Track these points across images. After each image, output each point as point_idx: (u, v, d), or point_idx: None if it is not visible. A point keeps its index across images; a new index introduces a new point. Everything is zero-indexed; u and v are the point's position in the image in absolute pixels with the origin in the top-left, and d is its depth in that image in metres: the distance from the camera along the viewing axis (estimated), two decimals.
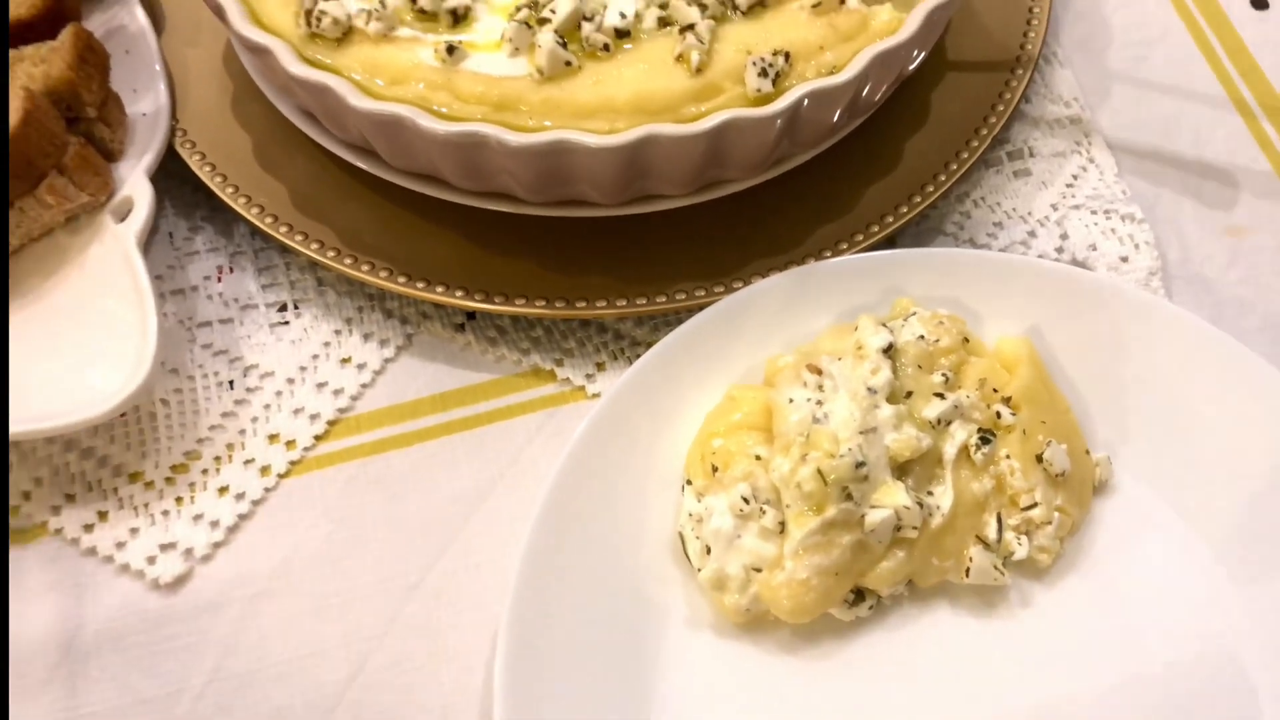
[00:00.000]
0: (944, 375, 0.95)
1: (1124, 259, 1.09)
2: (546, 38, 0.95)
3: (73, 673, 0.92)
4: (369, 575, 0.96)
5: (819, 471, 0.88)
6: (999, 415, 0.95)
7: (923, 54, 1.06)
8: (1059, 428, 0.96)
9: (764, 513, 0.90)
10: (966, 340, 0.98)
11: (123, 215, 1.02)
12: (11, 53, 1.03)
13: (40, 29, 1.04)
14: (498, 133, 0.93)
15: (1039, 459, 0.94)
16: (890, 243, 1.08)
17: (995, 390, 0.96)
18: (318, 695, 0.91)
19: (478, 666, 0.92)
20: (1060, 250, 1.10)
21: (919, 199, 1.08)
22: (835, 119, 1.02)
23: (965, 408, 0.94)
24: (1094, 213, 1.11)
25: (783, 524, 0.90)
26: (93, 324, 0.98)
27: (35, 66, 1.01)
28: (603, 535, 0.93)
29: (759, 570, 0.90)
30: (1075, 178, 1.14)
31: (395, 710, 0.91)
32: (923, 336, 0.96)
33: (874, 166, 1.10)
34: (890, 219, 1.07)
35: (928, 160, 1.10)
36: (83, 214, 1.02)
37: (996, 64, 1.15)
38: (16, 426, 0.93)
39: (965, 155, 1.10)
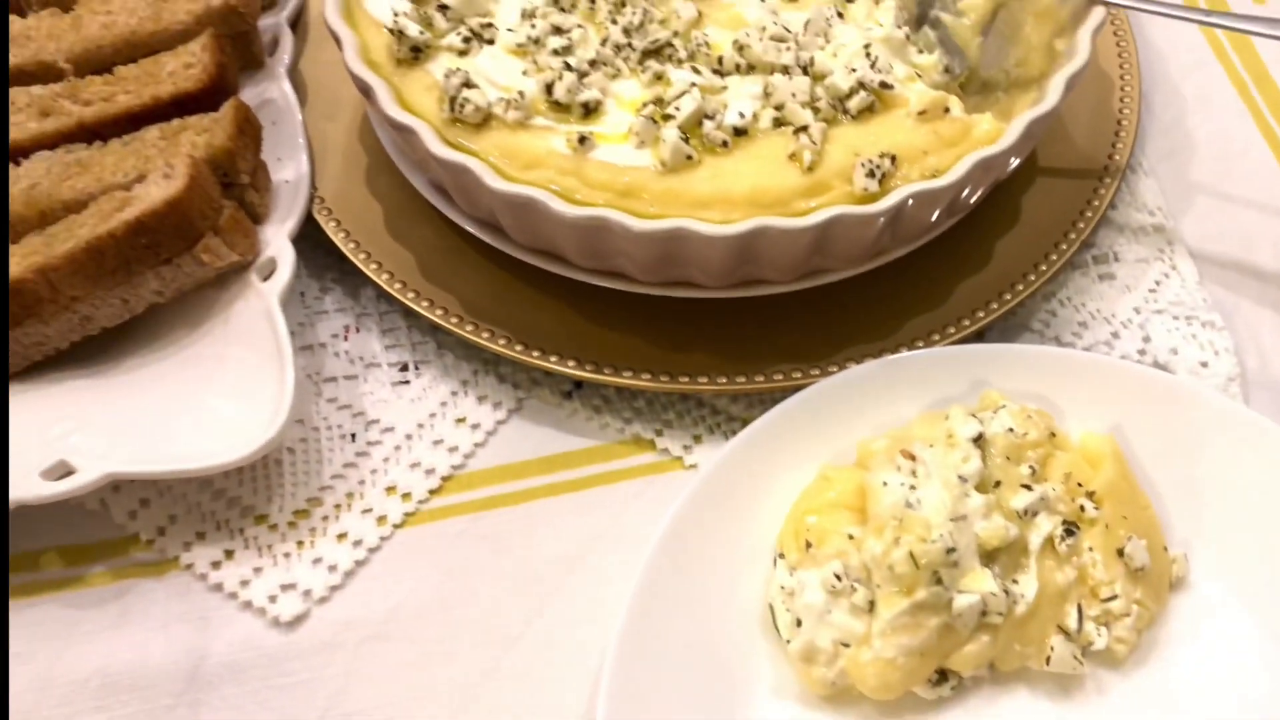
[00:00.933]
0: (1031, 468, 0.97)
1: (1204, 364, 1.10)
2: (670, 133, 0.99)
3: (196, 701, 0.95)
4: (474, 626, 0.99)
5: (911, 555, 0.89)
6: (1083, 509, 0.96)
7: (1020, 160, 1.09)
8: (1140, 523, 0.97)
9: (855, 590, 0.91)
10: (1053, 435, 1.00)
11: (266, 274, 1.06)
12: (176, 121, 1.08)
13: (203, 101, 1.10)
14: (621, 218, 0.96)
15: (1120, 553, 0.95)
16: (979, 337, 1.10)
17: (1080, 484, 0.97)
18: None
19: (574, 718, 0.94)
20: (1142, 353, 1.11)
21: (1009, 296, 1.10)
22: (934, 218, 1.05)
23: (1051, 500, 0.95)
24: (1176, 318, 1.13)
25: (872, 602, 0.91)
26: (233, 374, 1.02)
27: (198, 135, 1.06)
28: (697, 602, 0.95)
29: (847, 645, 0.91)
30: (1158, 284, 1.15)
31: None
32: (1011, 429, 0.98)
33: (966, 263, 1.12)
34: (981, 314, 1.09)
35: (1017, 260, 1.12)
36: (230, 271, 1.06)
37: (1086, 172, 1.18)
38: (160, 466, 0.97)
39: (1054, 257, 1.12)
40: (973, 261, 1.12)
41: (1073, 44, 1.07)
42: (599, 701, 0.87)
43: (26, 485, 0.95)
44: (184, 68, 1.11)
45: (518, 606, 0.99)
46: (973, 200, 1.09)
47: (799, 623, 0.93)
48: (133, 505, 1.03)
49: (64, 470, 0.97)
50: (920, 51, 1.09)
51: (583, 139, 0.99)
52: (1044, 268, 1.11)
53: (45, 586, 1.00)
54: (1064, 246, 1.12)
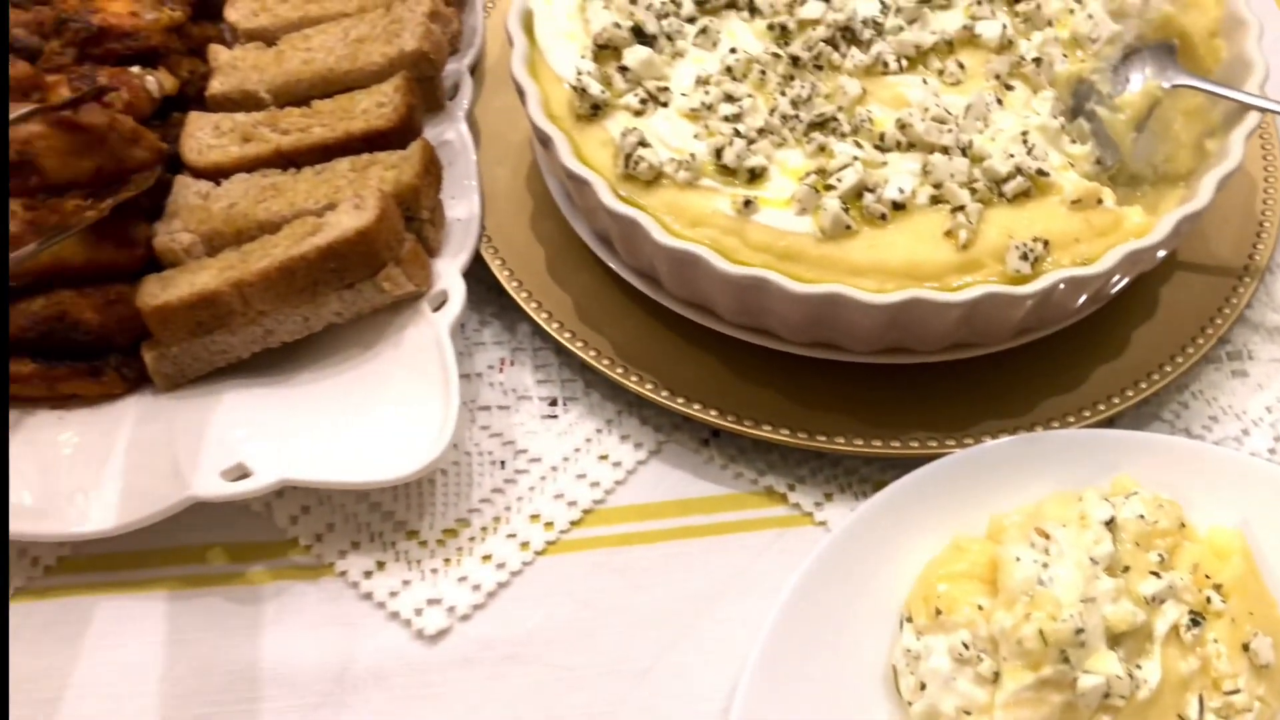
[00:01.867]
0: (1160, 555, 0.96)
1: None
2: (832, 203, 1.00)
3: (341, 702, 0.98)
4: (605, 655, 1.00)
5: (1041, 632, 0.89)
6: (1209, 600, 0.94)
7: (1165, 254, 1.08)
8: (1266, 620, 0.95)
9: (981, 660, 0.91)
10: (1183, 525, 0.99)
11: (437, 305, 1.09)
12: (366, 156, 1.13)
13: (391, 138, 1.14)
14: (780, 280, 0.98)
15: (1245, 648, 0.93)
16: (1110, 422, 1.09)
17: (1207, 576, 0.96)
18: None
19: None
20: (1273, 451, 1.10)
21: (1144, 385, 1.09)
22: (1079, 304, 1.04)
23: (1179, 589, 0.94)
24: None
25: (997, 674, 0.91)
26: (400, 396, 1.05)
27: (387, 170, 1.10)
28: (821, 657, 0.95)
29: (969, 714, 0.91)
30: None
31: None
32: (1143, 516, 0.97)
33: (1104, 349, 1.11)
34: (1116, 400, 1.08)
35: (1154, 351, 1.12)
36: (404, 299, 1.09)
37: (1225, 270, 1.17)
38: (328, 476, 1.00)
39: (1190, 351, 1.11)
40: (1110, 348, 1.11)
41: (1224, 145, 1.07)
42: None
43: (207, 483, 0.99)
44: (376, 106, 1.15)
45: (648, 642, 1.00)
46: (1115, 289, 1.08)
47: (923, 686, 0.92)
48: (294, 511, 1.07)
49: (241, 472, 1.00)
50: (1073, 141, 1.10)
51: (747, 202, 1.01)
52: (1180, 360, 1.10)
53: (211, 580, 1.04)
54: (1200, 341, 1.11)
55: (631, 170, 1.04)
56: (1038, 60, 1.11)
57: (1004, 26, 1.13)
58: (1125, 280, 1.08)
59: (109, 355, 1.08)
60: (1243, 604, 0.95)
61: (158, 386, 1.08)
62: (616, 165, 1.05)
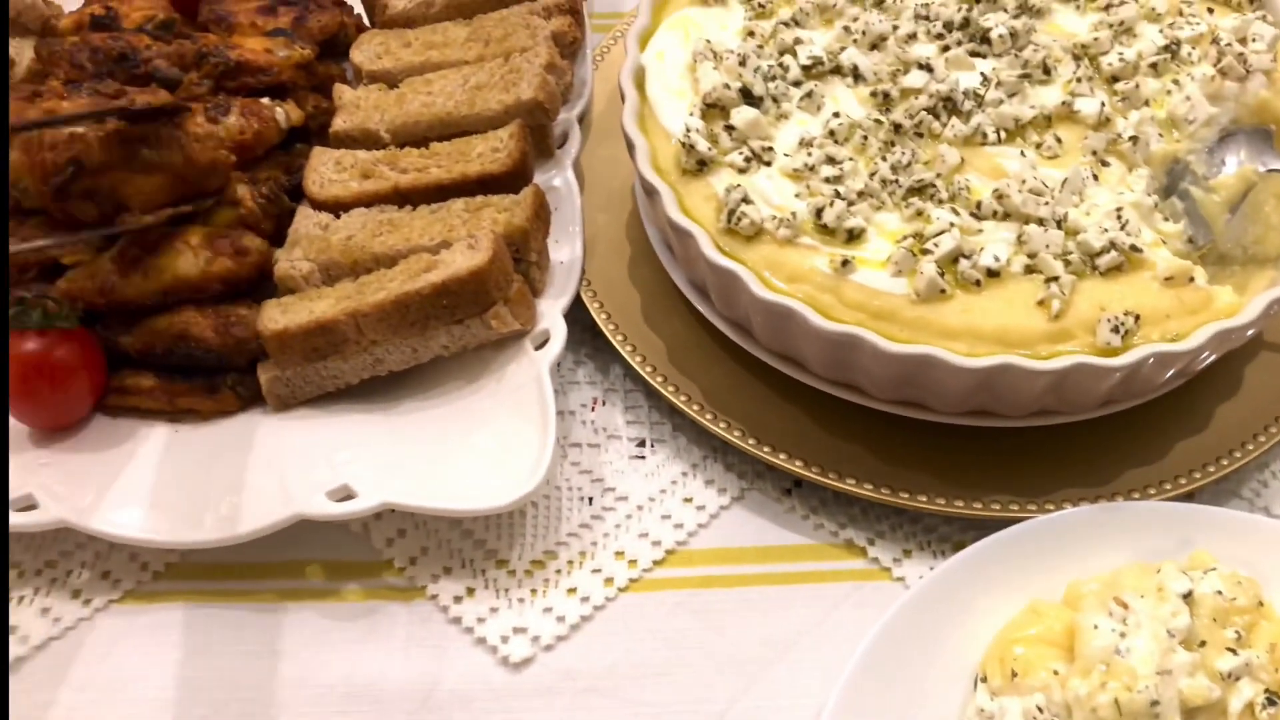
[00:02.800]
0: (1237, 632, 0.95)
1: None
2: (929, 267, 1.01)
3: None
4: (682, 695, 1.01)
5: (1117, 702, 0.89)
6: None
7: (1253, 334, 1.08)
8: None
9: None
10: (1261, 604, 0.98)
11: (539, 344, 1.12)
12: (480, 198, 1.16)
13: (505, 182, 1.17)
14: (874, 338, 0.99)
15: None
16: (1189, 496, 1.09)
17: None
18: None
19: None
20: None
21: (1225, 462, 1.09)
22: (1166, 379, 1.04)
23: (1255, 667, 0.93)
24: None
25: None
26: (498, 430, 1.08)
27: (499, 213, 1.13)
28: (894, 712, 0.95)
29: None
30: None
31: None
32: (1220, 592, 0.96)
33: (1186, 424, 1.11)
34: (1198, 475, 1.08)
35: (1236, 428, 1.11)
36: (509, 337, 1.12)
37: None
38: (428, 502, 1.03)
39: (1273, 430, 1.10)
40: (1193, 423, 1.11)
41: None
42: None
43: (314, 502, 1.02)
44: (491, 151, 1.19)
45: (724, 684, 1.01)
46: (1201, 366, 1.08)
47: None
48: (391, 534, 1.09)
49: (345, 494, 1.03)
50: (1166, 219, 1.10)
51: (845, 262, 1.03)
52: (1262, 439, 1.10)
53: (307, 594, 1.07)
54: None
55: (734, 225, 1.06)
56: (1134, 139, 1.11)
57: (1102, 104, 1.13)
58: (1212, 357, 1.07)
59: (226, 374, 1.12)
60: None
61: (270, 406, 1.12)
62: (719, 220, 1.07)
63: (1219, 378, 1.14)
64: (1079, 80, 1.15)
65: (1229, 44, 1.17)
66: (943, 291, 1.01)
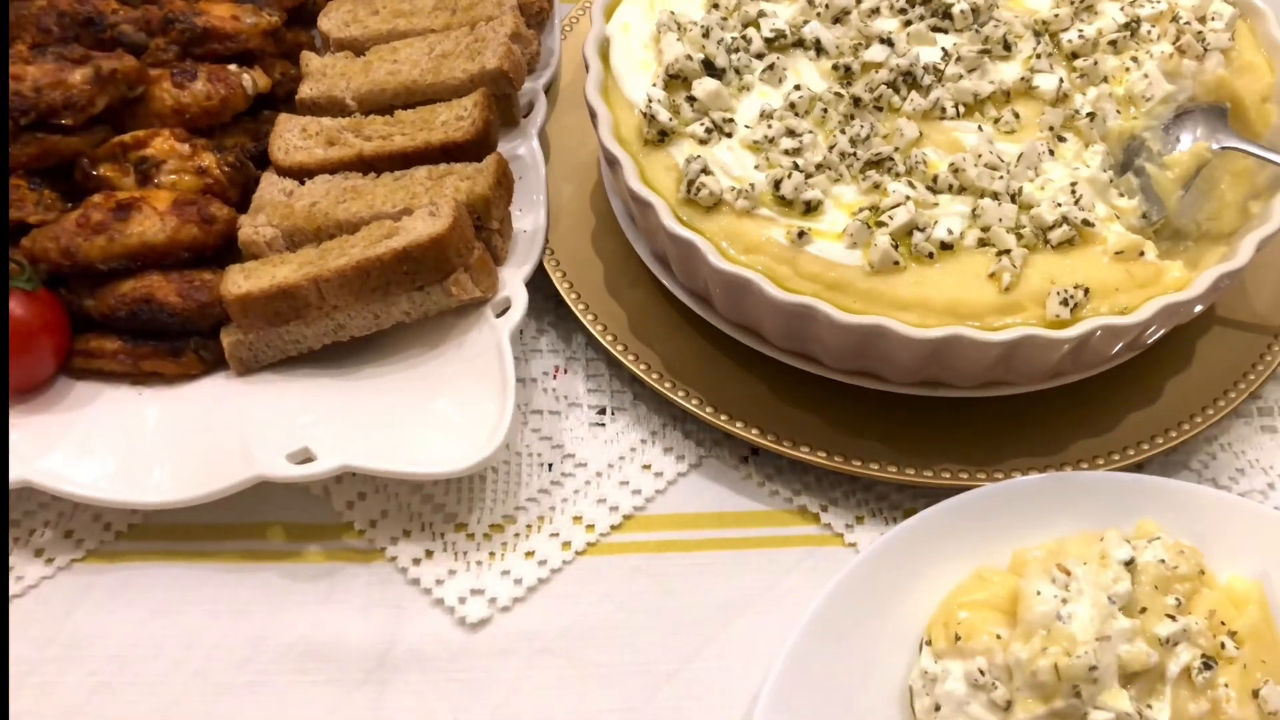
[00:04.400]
0: (1177, 599, 0.96)
1: None
2: (883, 239, 1.02)
3: (383, 680, 1.01)
4: (635, 656, 1.02)
5: (1056, 666, 0.90)
6: (1223, 646, 0.95)
7: (1202, 309, 1.09)
8: (1278, 672, 0.95)
9: (995, 688, 0.92)
10: (1202, 572, 0.99)
11: (500, 311, 1.12)
12: (443, 166, 1.16)
13: (468, 150, 1.17)
14: (827, 309, 1.00)
15: (1255, 694, 0.93)
16: (1139, 468, 1.10)
17: (1223, 623, 0.96)
18: None
19: None
20: None
21: (1173, 434, 1.10)
22: (1115, 351, 1.05)
23: (1193, 633, 0.95)
24: None
25: (1009, 702, 0.92)
26: (458, 395, 1.08)
27: (462, 181, 1.13)
28: (841, 673, 0.96)
29: None
30: None
31: None
32: (1163, 560, 0.98)
33: (1137, 397, 1.12)
34: (1145, 446, 1.09)
35: (1185, 401, 1.12)
36: (470, 304, 1.12)
37: (1262, 327, 1.17)
38: (388, 465, 1.03)
39: (1221, 404, 1.12)
40: (1143, 396, 1.12)
41: (1267, 208, 1.07)
42: None
43: (274, 465, 1.03)
44: (455, 119, 1.19)
45: (677, 645, 1.03)
46: (1152, 339, 1.09)
47: (937, 708, 0.94)
48: (351, 496, 1.10)
49: (305, 456, 1.04)
50: (1121, 195, 1.11)
51: (802, 233, 1.03)
52: (1210, 412, 1.11)
53: (268, 555, 1.07)
54: (1232, 395, 1.12)
55: (693, 196, 1.06)
56: (1091, 115, 1.12)
57: (1060, 80, 1.14)
58: (1161, 331, 1.08)
59: (189, 338, 1.12)
60: (1256, 652, 0.95)
61: (233, 370, 1.12)
62: (679, 190, 1.07)
63: (1171, 352, 1.15)
64: (1038, 56, 1.16)
65: (1188, 22, 1.18)
66: (896, 263, 1.02)
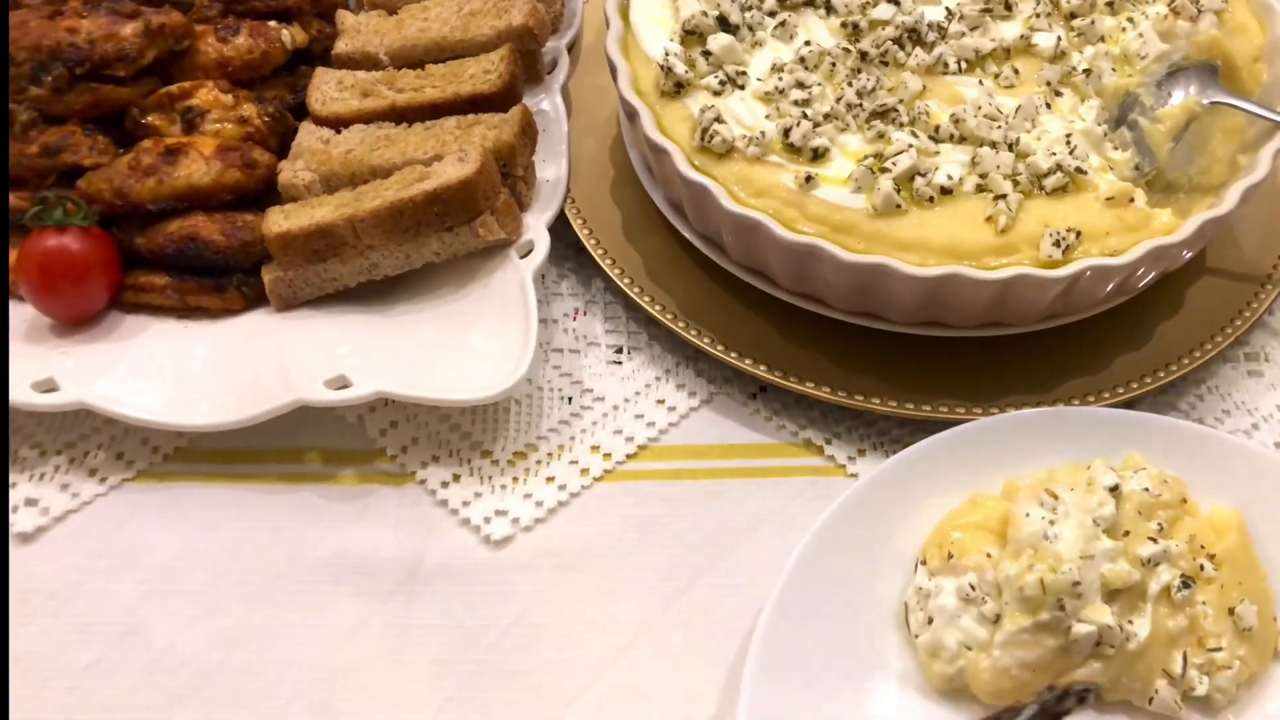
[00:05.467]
0: (1159, 524, 1.01)
1: None
2: (886, 183, 1.07)
3: (412, 592, 1.07)
4: (649, 573, 1.08)
5: (1042, 581, 0.95)
6: (1202, 568, 1.00)
7: (1190, 254, 1.13)
8: (1254, 592, 1.00)
9: (985, 602, 0.98)
10: (1184, 501, 1.04)
11: (524, 253, 1.18)
12: (471, 116, 1.22)
13: (494, 102, 1.23)
14: (832, 249, 1.05)
15: (1231, 611, 0.98)
16: (1129, 406, 1.14)
17: (1202, 547, 1.01)
18: (595, 657, 1.03)
19: (722, 664, 1.02)
20: (1279, 444, 1.14)
21: (1161, 374, 1.15)
22: (1106, 293, 1.10)
23: (1174, 555, 1.00)
24: None
25: (998, 615, 0.97)
26: (484, 330, 1.14)
27: (489, 130, 1.19)
28: (841, 590, 1.01)
29: (970, 649, 0.97)
30: None
31: (652, 680, 1.02)
32: (1147, 489, 1.02)
33: (1128, 340, 1.17)
34: (1134, 385, 1.14)
35: (1175, 345, 1.17)
36: (496, 246, 1.18)
37: (1249, 277, 1.22)
38: (418, 393, 1.09)
39: (1208, 346, 1.16)
40: (1134, 339, 1.17)
41: (1254, 159, 1.12)
42: (749, 656, 0.95)
43: (312, 390, 1.09)
44: (483, 73, 1.25)
45: (687, 564, 1.08)
46: (1142, 284, 1.14)
47: (930, 621, 0.99)
48: (384, 424, 1.16)
49: (342, 383, 1.10)
50: (1115, 148, 1.15)
51: (809, 178, 1.09)
52: (1198, 354, 1.16)
53: (306, 478, 1.14)
54: (1219, 339, 1.17)
55: (706, 143, 1.12)
56: (1087, 71, 1.17)
57: (1059, 39, 1.19)
58: (1151, 276, 1.13)
59: (232, 275, 1.18)
60: (1233, 574, 1.00)
61: (273, 306, 1.18)
62: (693, 138, 1.13)
63: (1162, 298, 1.20)
64: (1037, 16, 1.21)
65: None
66: (898, 206, 1.07)
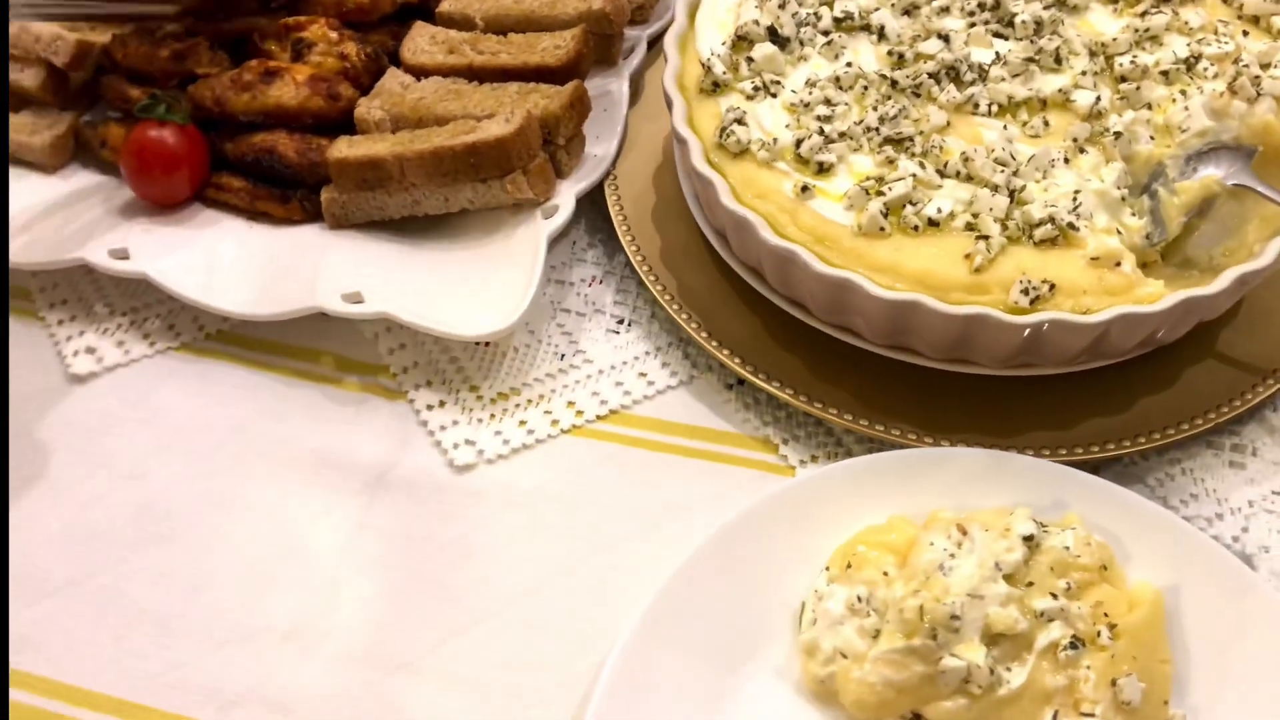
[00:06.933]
0: (1068, 584, 1.00)
1: None
2: (875, 205, 1.09)
3: (375, 495, 1.17)
4: (583, 526, 1.14)
5: (922, 607, 0.96)
6: (1099, 634, 0.98)
7: (1173, 332, 1.11)
8: (1148, 670, 0.98)
9: (869, 615, 1.00)
10: (1104, 568, 1.02)
11: (549, 215, 1.26)
12: (532, 85, 1.31)
13: (558, 75, 1.32)
14: (808, 257, 1.09)
15: (1114, 682, 0.97)
16: (1095, 467, 1.12)
17: (1106, 615, 0.99)
18: (513, 587, 1.10)
19: (618, 623, 1.07)
20: (1236, 539, 1.10)
21: (1129, 444, 1.12)
22: (1077, 351, 1.09)
23: (1071, 615, 0.98)
24: None
25: (878, 631, 0.99)
26: (497, 277, 1.23)
27: (543, 99, 1.28)
28: (748, 575, 1.04)
29: (844, 656, 0.99)
30: None
31: (555, 622, 1.08)
32: (1068, 548, 1.01)
33: (1103, 402, 1.15)
34: (1096, 449, 1.12)
35: (1156, 418, 1.14)
36: (525, 204, 1.27)
37: (1253, 366, 1.17)
38: (421, 320, 1.19)
39: (1185, 427, 1.13)
40: (1111, 403, 1.15)
41: (1266, 247, 1.08)
42: (632, 622, 1.00)
43: (329, 300, 1.21)
44: (554, 47, 1.33)
45: (621, 525, 1.14)
46: (1126, 349, 1.12)
47: (815, 621, 1.02)
48: (394, 345, 1.27)
49: (357, 299, 1.21)
50: (1133, 213, 1.13)
51: (805, 188, 1.12)
52: (1171, 431, 1.13)
53: (316, 377, 1.25)
54: (1199, 421, 1.13)
55: (723, 141, 1.16)
56: (1118, 134, 1.15)
57: (1097, 98, 1.17)
58: (1132, 344, 1.11)
59: (298, 189, 1.31)
60: (1130, 648, 0.98)
61: (327, 223, 1.31)
62: (715, 134, 1.18)
63: (1152, 369, 1.16)
64: (1083, 74, 1.19)
65: (1247, 65, 1.18)
66: (882, 229, 1.09)
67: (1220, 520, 1.12)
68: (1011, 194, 1.11)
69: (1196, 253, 1.16)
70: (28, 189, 1.33)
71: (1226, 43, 1.21)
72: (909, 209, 1.10)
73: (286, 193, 1.31)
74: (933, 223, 1.10)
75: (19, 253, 1.26)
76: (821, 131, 1.16)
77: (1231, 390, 1.16)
